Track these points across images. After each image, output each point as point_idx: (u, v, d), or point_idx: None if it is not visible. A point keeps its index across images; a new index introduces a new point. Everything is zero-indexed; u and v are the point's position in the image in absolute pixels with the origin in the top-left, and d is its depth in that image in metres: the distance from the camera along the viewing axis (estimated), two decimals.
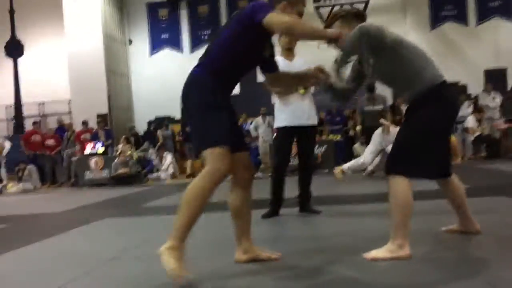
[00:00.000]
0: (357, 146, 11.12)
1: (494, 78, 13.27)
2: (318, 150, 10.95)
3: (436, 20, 14.37)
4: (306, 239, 3.45)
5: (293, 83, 3.22)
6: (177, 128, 13.89)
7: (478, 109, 11.59)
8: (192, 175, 12.35)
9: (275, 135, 4.76)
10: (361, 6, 14.43)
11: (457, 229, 3.16)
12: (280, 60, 4.36)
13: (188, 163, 12.70)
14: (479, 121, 11.27)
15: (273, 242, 3.34)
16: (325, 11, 14.61)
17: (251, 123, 12.94)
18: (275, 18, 2.51)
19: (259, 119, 12.49)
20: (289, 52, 4.56)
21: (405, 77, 2.77)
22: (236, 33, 2.58)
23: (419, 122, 2.73)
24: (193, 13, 15.31)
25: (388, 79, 2.91)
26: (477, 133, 11.22)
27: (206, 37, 15.11)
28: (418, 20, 13.84)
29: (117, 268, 2.97)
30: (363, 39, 2.62)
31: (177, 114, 14.80)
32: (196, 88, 2.58)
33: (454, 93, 2.91)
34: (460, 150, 11.20)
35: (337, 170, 7.66)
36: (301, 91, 4.43)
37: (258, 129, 12.44)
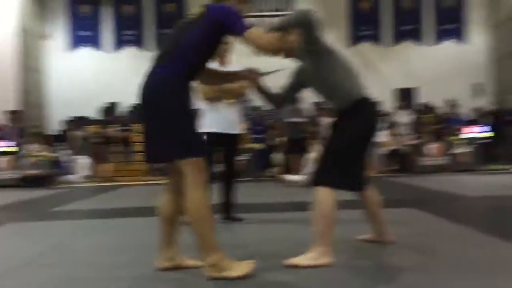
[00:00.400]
0: (275, 155, 11.32)
1: (405, 97, 14.16)
2: (242, 158, 11.00)
3: (354, 39, 15.07)
4: (229, 246, 3.42)
5: (222, 80, 3.24)
6: (94, 129, 13.33)
7: (391, 125, 12.27)
8: (109, 178, 11.92)
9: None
10: None
11: (372, 239, 3.30)
12: (214, 66, 4.38)
13: (104, 166, 12.24)
14: (392, 136, 11.94)
15: (195, 249, 3.28)
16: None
17: None
18: (258, 36, 2.50)
19: None
20: (223, 58, 4.55)
21: (334, 83, 2.88)
22: (206, 35, 2.53)
23: (343, 136, 2.85)
24: (117, 12, 14.84)
25: (318, 83, 2.97)
26: (391, 148, 11.86)
27: (129, 37, 14.70)
28: (338, 37, 14.37)
29: (26, 275, 2.77)
30: (305, 21, 2.72)
31: (93, 114, 14.23)
32: (169, 91, 2.47)
33: (376, 108, 3.05)
34: (373, 164, 11.77)
35: (283, 177, 7.77)
36: (230, 100, 4.46)
37: None
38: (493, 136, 12.24)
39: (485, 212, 5.09)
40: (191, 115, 2.55)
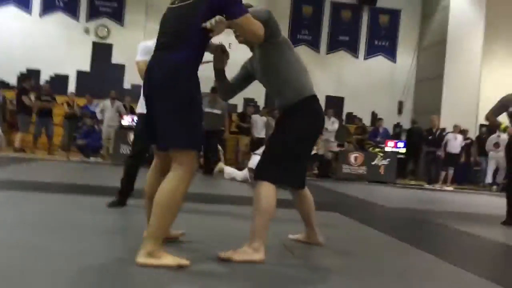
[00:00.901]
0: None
1: (333, 104, 14.58)
2: None
3: (293, 41, 15.21)
4: None
5: None
6: (10, 95, 12.45)
7: None
8: (22, 149, 11.19)
9: (136, 121, 4.53)
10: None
11: (302, 239, 3.33)
12: (152, 45, 4.25)
13: (18, 136, 11.45)
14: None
15: (119, 233, 3.14)
16: None
17: (96, 105, 12.23)
18: (253, 22, 2.48)
19: (107, 102, 11.86)
20: None
21: (288, 77, 2.88)
22: (207, 16, 2.40)
23: (289, 132, 2.84)
24: None
25: (272, 76, 2.93)
26: (313, 152, 12.16)
27: (61, 3, 13.85)
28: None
29: None
30: (271, 18, 2.77)
31: (12, 79, 13.29)
32: (184, 78, 2.40)
33: (321, 108, 3.07)
34: None
35: (219, 167, 7.64)
36: None
37: (104, 112, 11.80)
38: (407, 152, 12.96)
39: (402, 222, 5.36)
40: (200, 107, 2.52)
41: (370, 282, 2.52)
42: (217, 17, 2.41)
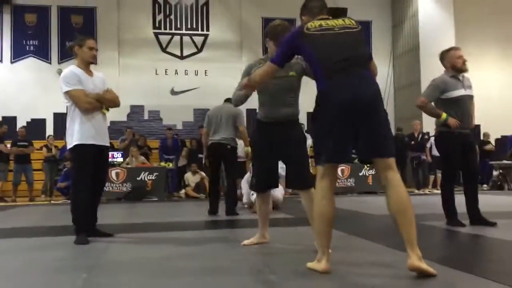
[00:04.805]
0: (188, 175, 11.06)
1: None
2: (148, 177, 10.60)
3: None
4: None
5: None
6: None
7: None
8: (2, 198, 10.89)
9: (72, 152, 4.20)
10: (200, 39, 14.71)
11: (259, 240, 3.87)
12: (79, 73, 4.19)
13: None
14: None
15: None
16: (164, 38, 14.58)
17: None
18: None
19: None
20: (88, 66, 4.31)
21: (297, 97, 3.87)
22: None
23: (305, 145, 3.72)
24: (19, 20, 13.85)
25: (294, 92, 3.82)
26: None
27: (31, 47, 13.75)
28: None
29: None
30: None
31: None
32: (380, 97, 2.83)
33: None
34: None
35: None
36: (105, 110, 4.21)
37: None
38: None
39: (391, 228, 5.21)
40: None
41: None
42: None
